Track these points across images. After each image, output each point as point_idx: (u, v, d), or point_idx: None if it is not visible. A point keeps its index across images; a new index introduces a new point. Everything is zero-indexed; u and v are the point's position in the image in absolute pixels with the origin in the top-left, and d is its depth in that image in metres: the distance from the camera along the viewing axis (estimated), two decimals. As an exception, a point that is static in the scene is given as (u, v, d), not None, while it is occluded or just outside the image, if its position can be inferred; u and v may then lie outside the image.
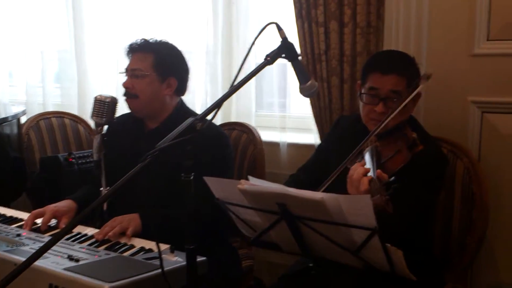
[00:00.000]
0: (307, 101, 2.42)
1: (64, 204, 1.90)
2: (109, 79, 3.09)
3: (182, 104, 2.05)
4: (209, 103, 2.74)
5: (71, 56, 3.18)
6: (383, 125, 1.59)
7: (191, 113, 2.03)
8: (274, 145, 2.59)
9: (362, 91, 1.75)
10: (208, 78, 2.75)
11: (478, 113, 2.07)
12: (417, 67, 1.79)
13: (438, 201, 1.91)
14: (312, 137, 2.52)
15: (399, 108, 1.59)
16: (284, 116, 2.63)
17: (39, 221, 1.81)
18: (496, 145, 2.05)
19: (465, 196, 1.93)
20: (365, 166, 1.44)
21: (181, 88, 2.02)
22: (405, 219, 1.56)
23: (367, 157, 1.51)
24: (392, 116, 1.59)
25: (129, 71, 1.95)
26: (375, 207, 1.25)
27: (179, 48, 2.04)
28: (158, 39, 2.01)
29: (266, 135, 2.52)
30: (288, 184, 1.94)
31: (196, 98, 2.82)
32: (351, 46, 2.25)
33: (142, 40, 1.98)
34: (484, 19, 2.01)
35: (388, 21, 2.17)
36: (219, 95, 2.71)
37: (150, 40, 1.98)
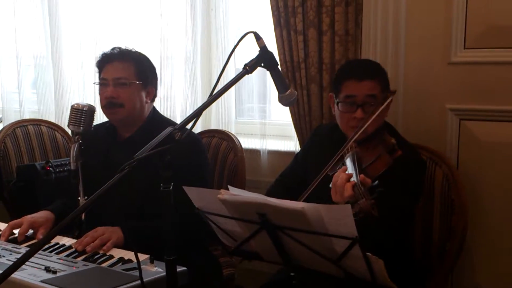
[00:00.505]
0: (287, 108, 2.42)
1: (42, 215, 1.87)
2: (87, 86, 3.05)
3: (154, 112, 2.05)
4: (189, 109, 2.73)
5: (48, 63, 3.14)
6: (361, 130, 1.62)
7: (165, 120, 2.03)
8: (255, 152, 2.58)
9: (338, 101, 1.77)
10: (187, 84, 2.74)
11: (456, 120, 2.10)
12: (386, 72, 1.85)
13: (418, 208, 1.93)
14: (292, 144, 2.53)
15: (376, 113, 1.63)
16: (264, 123, 2.63)
17: (16, 231, 1.78)
18: (474, 152, 2.07)
19: (444, 202, 1.95)
20: (347, 172, 1.45)
21: (155, 95, 2.04)
22: (386, 225, 1.58)
23: (348, 163, 1.53)
24: (370, 121, 1.62)
25: (111, 80, 1.92)
26: (360, 211, 1.28)
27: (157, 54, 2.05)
28: (129, 48, 2.01)
29: (246, 142, 2.52)
30: (275, 188, 1.97)
31: (176, 104, 2.81)
32: (330, 54, 2.26)
33: (118, 49, 1.96)
34: (461, 28, 2.04)
35: (366, 29, 2.19)
36: (198, 100, 2.71)
37: (126, 49, 1.98)
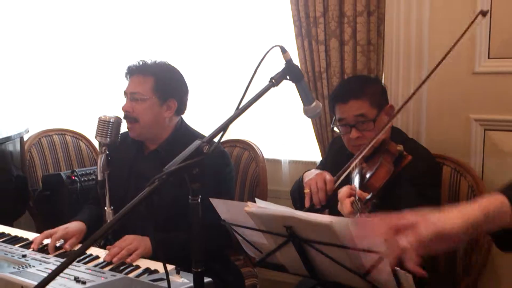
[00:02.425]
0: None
1: (75, 225, 1.90)
2: (112, 95, 3.09)
3: (181, 124, 2.04)
4: (213, 115, 2.75)
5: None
6: (359, 157, 1.63)
7: (191, 132, 2.03)
8: (276, 162, 2.59)
9: (334, 125, 1.83)
10: (213, 92, 2.78)
11: (480, 130, 2.08)
12: (378, 84, 1.86)
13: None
14: (313, 154, 2.53)
15: (373, 141, 1.63)
16: (286, 132, 2.64)
17: (46, 241, 1.80)
18: (498, 162, 2.05)
19: (469, 214, 1.93)
20: (353, 188, 1.50)
21: (181, 108, 2.01)
22: None
23: (355, 179, 1.58)
24: (367, 148, 1.62)
25: (128, 94, 1.94)
26: None
27: (179, 68, 2.03)
28: (157, 60, 1.99)
29: (267, 152, 2.53)
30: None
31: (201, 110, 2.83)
32: (351, 64, 2.26)
33: (141, 62, 1.96)
34: (485, 38, 2.03)
35: (388, 39, 2.19)
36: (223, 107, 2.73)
37: (149, 62, 1.97)
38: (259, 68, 1.33)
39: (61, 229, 1.83)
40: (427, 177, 1.70)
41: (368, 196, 1.42)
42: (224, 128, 1.27)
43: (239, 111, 1.29)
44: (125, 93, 1.95)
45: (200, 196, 1.20)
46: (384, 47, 2.23)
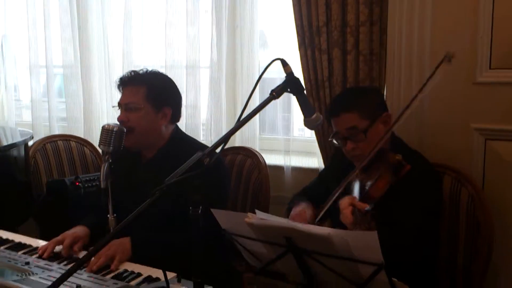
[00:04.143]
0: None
1: (80, 229, 1.94)
2: (114, 101, 3.12)
3: (177, 131, 2.06)
4: (212, 119, 2.78)
5: (77, 75, 3.20)
6: (361, 165, 1.66)
7: (187, 139, 2.06)
8: (279, 169, 2.61)
9: (332, 137, 1.85)
10: (211, 96, 2.79)
11: (481, 140, 2.09)
12: (370, 95, 1.87)
13: (442, 228, 1.92)
14: (316, 161, 2.55)
15: (370, 155, 1.65)
16: (289, 139, 2.66)
17: (58, 248, 1.84)
18: (499, 172, 2.06)
19: (469, 223, 1.94)
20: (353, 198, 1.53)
21: (176, 115, 2.03)
22: (405, 245, 1.59)
23: (355, 189, 1.60)
24: (366, 160, 1.65)
25: (122, 105, 1.97)
26: None
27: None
28: (148, 69, 2.03)
29: (270, 159, 2.56)
30: (300, 197, 2.00)
31: (201, 113, 2.87)
32: (354, 73, 2.28)
33: (132, 73, 1.99)
34: (486, 48, 2.04)
35: (390, 50, 2.21)
36: (223, 115, 2.75)
37: (140, 72, 2.00)
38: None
39: (69, 236, 1.87)
40: (424, 187, 1.70)
41: (367, 208, 1.44)
42: (225, 139, 1.29)
43: (240, 123, 1.31)
44: (119, 104, 1.98)
45: (200, 207, 1.22)
46: (387, 57, 2.24)
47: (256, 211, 1.32)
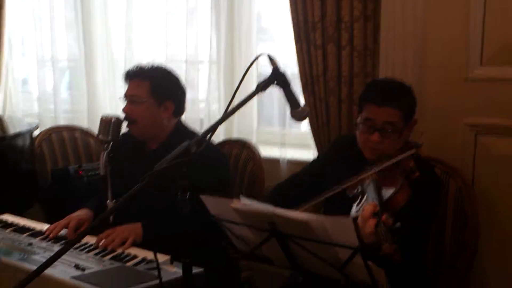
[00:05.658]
0: (306, 119, 2.50)
1: (85, 212, 2.04)
2: (118, 92, 3.20)
3: (180, 125, 2.15)
4: (212, 111, 2.86)
5: (81, 67, 3.29)
6: (383, 166, 1.57)
7: (189, 133, 2.13)
8: (275, 161, 2.67)
9: (358, 120, 1.79)
10: (211, 88, 2.86)
11: (471, 135, 2.14)
12: (413, 96, 1.82)
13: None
14: (311, 154, 2.61)
15: (392, 160, 1.56)
16: (284, 133, 2.72)
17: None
18: (489, 166, 2.11)
19: (457, 216, 1.99)
20: (370, 201, 1.45)
21: (179, 109, 2.12)
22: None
23: (370, 191, 1.51)
24: (387, 163, 1.56)
25: (127, 97, 2.06)
26: (383, 254, 1.28)
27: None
28: (154, 64, 2.12)
29: (267, 151, 2.62)
30: (272, 196, 2.00)
31: (200, 107, 2.94)
32: (348, 67, 2.33)
33: (138, 67, 2.08)
34: (478, 45, 2.09)
35: (383, 45, 2.26)
36: (222, 104, 2.82)
37: (146, 66, 2.09)
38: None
39: (74, 219, 1.97)
40: (427, 195, 1.69)
41: (397, 225, 1.32)
42: (211, 129, 1.36)
43: (227, 114, 1.39)
44: (124, 96, 2.07)
45: (188, 193, 1.30)
46: (380, 53, 2.29)
47: (241, 196, 1.40)
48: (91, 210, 2.07)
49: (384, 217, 1.34)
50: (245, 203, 1.37)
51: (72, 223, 1.94)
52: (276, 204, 1.41)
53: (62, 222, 1.96)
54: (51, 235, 1.89)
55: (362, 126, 1.77)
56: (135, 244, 1.82)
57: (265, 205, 1.36)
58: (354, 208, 1.54)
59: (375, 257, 1.28)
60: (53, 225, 1.95)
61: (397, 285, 1.43)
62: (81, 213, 2.03)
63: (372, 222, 1.34)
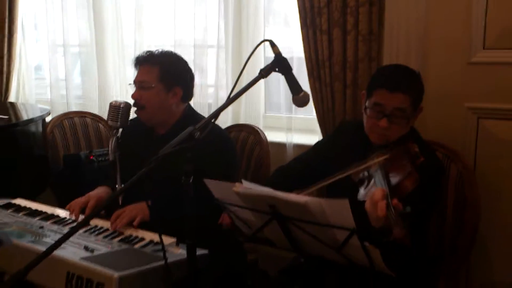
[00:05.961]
0: (311, 104, 2.53)
1: (103, 190, 2.12)
2: (128, 79, 3.24)
3: (189, 109, 2.19)
4: (220, 96, 2.88)
5: (92, 53, 3.33)
6: (391, 153, 1.60)
7: (198, 118, 2.17)
8: (281, 146, 2.71)
9: (367, 105, 1.79)
10: (219, 71, 2.88)
11: (474, 119, 2.15)
12: (422, 83, 1.83)
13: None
14: (316, 138, 2.64)
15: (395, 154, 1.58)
16: (291, 118, 2.75)
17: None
18: (491, 149, 2.13)
19: (457, 198, 2.02)
20: (377, 186, 1.47)
21: (187, 95, 2.16)
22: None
23: (377, 176, 1.53)
24: (395, 151, 1.59)
25: (137, 83, 2.10)
26: (393, 239, 1.28)
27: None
28: (163, 50, 2.15)
29: (273, 136, 2.66)
30: (275, 178, 2.03)
31: (209, 92, 2.96)
32: (353, 52, 2.35)
33: (148, 53, 2.12)
34: (480, 29, 2.09)
35: (388, 29, 2.27)
36: (229, 88, 2.85)
37: (155, 52, 2.13)
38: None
39: (93, 197, 2.04)
40: (431, 180, 1.69)
41: (407, 210, 1.32)
42: (215, 115, 1.41)
43: (230, 100, 1.43)
44: (134, 82, 2.11)
45: (191, 177, 1.35)
46: (384, 37, 2.30)
47: (243, 180, 1.44)
48: (109, 188, 2.13)
49: (394, 201, 1.34)
50: (247, 186, 1.41)
51: (91, 203, 2.01)
52: (278, 186, 1.44)
53: (82, 199, 2.03)
54: (74, 217, 1.96)
55: (370, 111, 1.77)
56: (143, 225, 1.88)
57: (265, 188, 1.40)
58: (362, 191, 1.56)
59: (385, 242, 1.29)
60: (73, 202, 2.01)
61: (403, 267, 1.46)
62: (100, 191, 2.10)
63: (383, 205, 1.32)
